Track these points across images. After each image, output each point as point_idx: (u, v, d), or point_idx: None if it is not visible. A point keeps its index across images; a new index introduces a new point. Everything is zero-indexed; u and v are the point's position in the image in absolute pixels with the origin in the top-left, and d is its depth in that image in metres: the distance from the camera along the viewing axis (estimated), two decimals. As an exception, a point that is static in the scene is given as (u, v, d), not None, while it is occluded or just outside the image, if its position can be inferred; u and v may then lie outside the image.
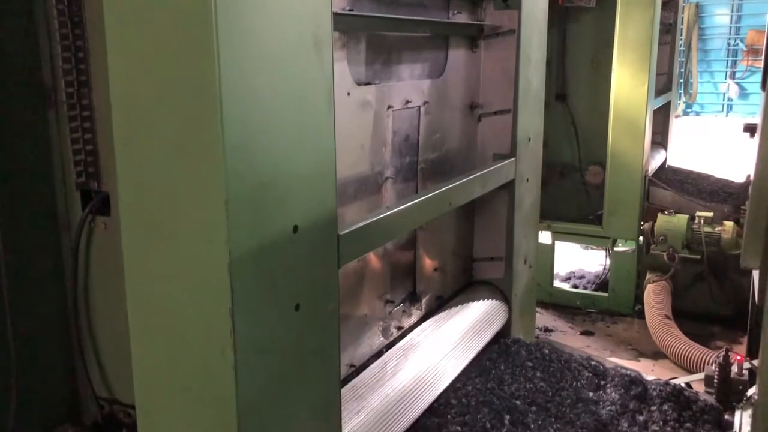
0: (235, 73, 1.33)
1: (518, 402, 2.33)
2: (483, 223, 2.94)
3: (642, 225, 5.60)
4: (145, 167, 1.43)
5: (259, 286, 1.43)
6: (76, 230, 1.95)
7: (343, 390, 2.04)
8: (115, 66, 1.42)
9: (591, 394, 2.47)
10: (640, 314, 5.59)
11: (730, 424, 2.55)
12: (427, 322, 2.60)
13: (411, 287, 2.58)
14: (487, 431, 2.13)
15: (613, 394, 2.48)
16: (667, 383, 2.65)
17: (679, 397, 2.58)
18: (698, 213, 5.41)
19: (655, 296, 5.42)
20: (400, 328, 2.49)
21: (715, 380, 2.71)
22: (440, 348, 2.44)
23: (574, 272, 6.73)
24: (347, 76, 2.02)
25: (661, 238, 5.40)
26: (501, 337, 2.86)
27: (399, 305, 2.48)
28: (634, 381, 2.58)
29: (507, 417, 2.21)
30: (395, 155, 2.34)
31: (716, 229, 5.33)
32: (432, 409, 2.25)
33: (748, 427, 2.44)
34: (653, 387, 2.59)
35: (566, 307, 5.96)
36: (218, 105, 1.31)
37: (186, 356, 1.46)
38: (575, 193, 6.05)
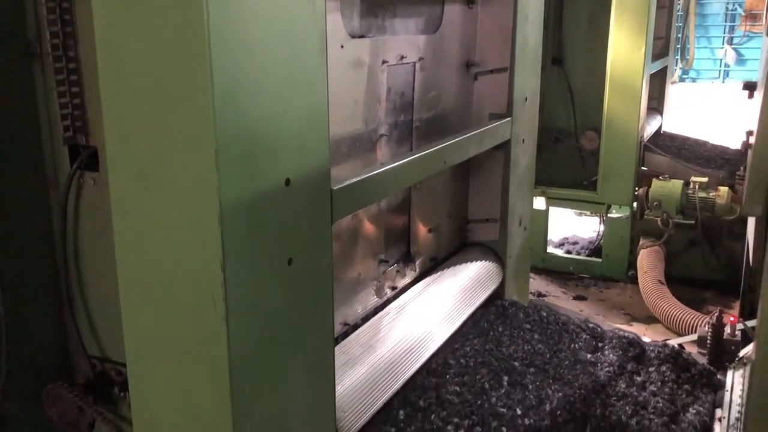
0: (223, 21, 1.29)
1: (516, 363, 2.32)
2: (478, 185, 2.91)
3: (636, 190, 5.60)
4: (132, 117, 1.39)
5: (251, 238, 1.41)
6: (64, 186, 1.90)
7: (337, 347, 2.03)
8: (101, 16, 1.38)
9: (589, 355, 2.47)
10: (633, 279, 5.62)
11: (722, 384, 2.56)
12: (421, 282, 2.58)
13: (405, 248, 2.56)
14: (486, 392, 2.13)
15: (611, 355, 2.48)
16: (665, 345, 2.65)
17: (677, 359, 2.58)
18: (693, 178, 5.41)
19: (648, 261, 5.43)
20: (393, 288, 2.48)
21: (708, 341, 2.72)
22: (434, 308, 2.43)
23: (567, 238, 6.74)
24: (341, 28, 1.97)
25: (655, 203, 5.40)
26: (495, 299, 2.85)
27: (393, 265, 2.46)
28: (632, 343, 2.58)
29: (505, 378, 2.21)
30: (390, 112, 2.30)
31: (711, 194, 5.33)
32: (430, 370, 2.25)
33: (740, 386, 2.46)
34: (651, 348, 2.59)
35: (559, 272, 5.98)
36: (207, 53, 1.27)
37: (176, 309, 1.44)
38: (570, 158, 6.03)
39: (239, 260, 1.38)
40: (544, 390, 2.16)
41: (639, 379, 2.42)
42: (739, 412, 2.28)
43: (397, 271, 2.50)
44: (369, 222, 2.30)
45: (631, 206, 5.64)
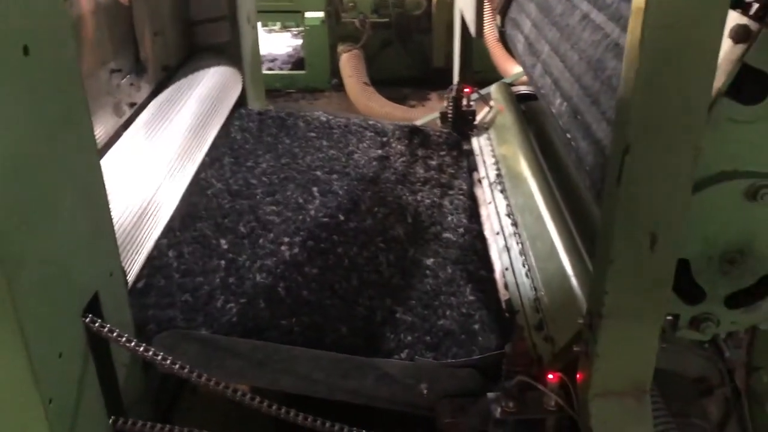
0: None
1: (319, 173, 2.18)
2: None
3: (330, -6, 5.51)
4: None
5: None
6: None
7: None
8: None
9: (380, 151, 2.41)
10: (338, 87, 5.68)
11: (470, 151, 2.70)
12: (159, 96, 2.20)
13: (134, 55, 2.12)
14: (302, 206, 1.96)
15: (399, 146, 2.45)
16: (450, 133, 2.69)
17: (462, 148, 2.65)
18: (383, -24, 5.47)
19: (350, 66, 5.50)
20: (132, 105, 2.07)
21: (449, 115, 2.81)
22: (183, 120, 2.11)
23: (264, 56, 6.50)
24: None
25: (350, 4, 5.39)
26: (239, 106, 2.59)
27: (126, 77, 2.03)
28: (414, 131, 2.57)
29: (315, 189, 2.06)
30: None
31: (401, -10, 5.47)
32: (236, 192, 1.99)
33: (489, 149, 2.62)
34: (436, 135, 2.61)
35: (268, 91, 5.78)
36: None
37: None
38: (259, -33, 5.64)
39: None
40: (353, 192, 2.06)
41: (434, 162, 2.43)
42: (497, 169, 2.42)
43: (131, 84, 2.08)
44: (91, 18, 1.82)
45: (326, 11, 5.57)
